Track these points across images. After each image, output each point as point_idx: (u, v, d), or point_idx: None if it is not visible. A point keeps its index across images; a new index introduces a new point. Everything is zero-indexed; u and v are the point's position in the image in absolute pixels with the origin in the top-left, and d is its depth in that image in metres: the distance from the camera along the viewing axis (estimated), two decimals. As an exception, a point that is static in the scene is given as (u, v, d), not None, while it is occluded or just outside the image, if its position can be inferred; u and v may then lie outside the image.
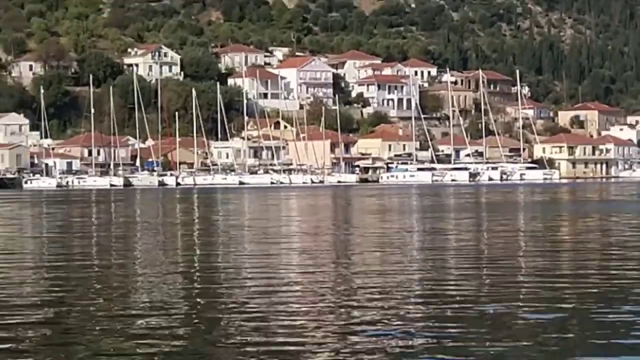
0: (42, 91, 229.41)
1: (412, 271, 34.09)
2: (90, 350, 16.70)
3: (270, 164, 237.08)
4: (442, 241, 48.85)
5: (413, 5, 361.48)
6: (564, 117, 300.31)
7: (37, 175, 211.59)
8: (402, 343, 17.42)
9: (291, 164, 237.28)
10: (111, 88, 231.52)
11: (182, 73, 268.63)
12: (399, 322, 19.67)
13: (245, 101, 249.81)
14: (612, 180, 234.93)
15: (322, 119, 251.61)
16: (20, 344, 16.97)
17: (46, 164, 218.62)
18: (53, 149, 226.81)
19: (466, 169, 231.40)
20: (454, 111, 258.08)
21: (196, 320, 21.25)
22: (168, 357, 15.74)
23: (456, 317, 19.66)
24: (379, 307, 21.50)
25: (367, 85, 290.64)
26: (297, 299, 24.41)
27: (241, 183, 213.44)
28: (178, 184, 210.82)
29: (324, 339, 18.34)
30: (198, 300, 25.28)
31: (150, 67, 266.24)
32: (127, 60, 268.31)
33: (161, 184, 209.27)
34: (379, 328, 17.98)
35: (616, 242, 45.72)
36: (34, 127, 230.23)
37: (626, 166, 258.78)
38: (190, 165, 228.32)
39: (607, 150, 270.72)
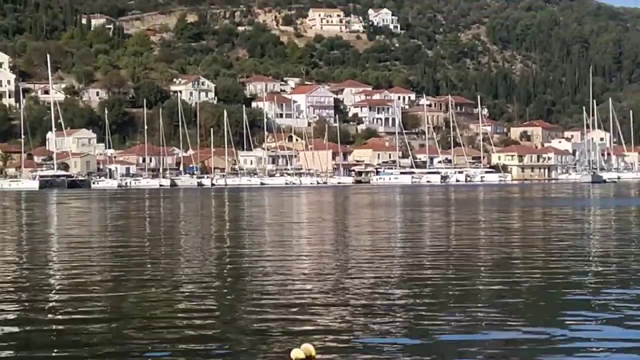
0: (106, 112, 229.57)
1: (393, 244, 35.45)
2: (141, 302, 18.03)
3: (285, 169, 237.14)
4: (417, 226, 49.31)
5: (397, 45, 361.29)
6: (515, 132, 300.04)
7: (103, 178, 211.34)
8: (385, 300, 17.91)
9: (301, 169, 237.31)
10: (160, 110, 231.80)
11: (216, 98, 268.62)
12: (383, 283, 20.20)
13: (265, 120, 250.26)
14: (553, 181, 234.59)
15: (326, 133, 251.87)
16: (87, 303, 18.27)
17: (109, 169, 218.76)
18: (115, 157, 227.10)
19: (438, 172, 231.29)
20: (428, 127, 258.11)
21: (227, 282, 21.70)
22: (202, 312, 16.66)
23: (429, 288, 20.20)
24: (368, 277, 22.25)
25: (361, 107, 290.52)
26: (305, 271, 24.93)
27: (262, 184, 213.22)
28: (213, 184, 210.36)
29: (324, 291, 20.05)
30: (228, 268, 26.04)
31: (191, 93, 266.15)
32: (172, 88, 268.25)
33: (199, 184, 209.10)
34: (367, 294, 18.76)
35: (554, 228, 46.17)
36: (100, 140, 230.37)
37: (563, 170, 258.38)
38: (222, 169, 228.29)
39: (549, 158, 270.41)
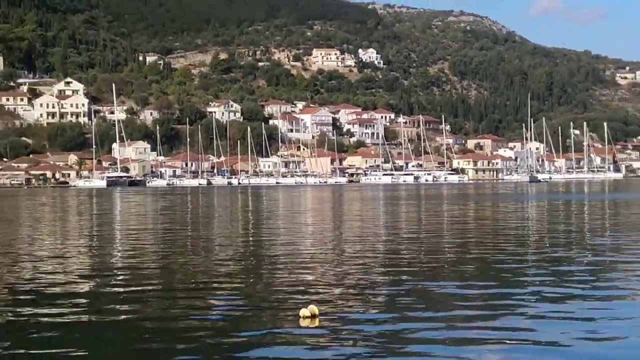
0: (157, 128, 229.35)
1: (376, 225, 35.89)
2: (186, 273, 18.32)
3: (294, 171, 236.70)
4: (394, 213, 49.42)
5: (380, 76, 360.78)
6: (471, 143, 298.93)
7: (155, 178, 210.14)
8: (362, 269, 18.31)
9: (307, 171, 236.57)
10: (199, 126, 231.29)
11: (241, 117, 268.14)
12: (364, 256, 20.65)
13: (279, 134, 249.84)
14: (499, 181, 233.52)
15: (326, 144, 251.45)
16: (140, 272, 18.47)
17: (160, 171, 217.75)
18: (164, 162, 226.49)
19: (412, 174, 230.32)
20: (404, 140, 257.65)
21: (250, 260, 21.66)
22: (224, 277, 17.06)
23: (404, 259, 20.23)
24: (355, 254, 22.09)
25: (353, 124, 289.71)
26: (310, 247, 25.02)
27: (277, 183, 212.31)
28: (239, 183, 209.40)
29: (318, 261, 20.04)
30: (252, 245, 26.25)
31: (223, 113, 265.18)
32: (208, 109, 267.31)
33: (229, 183, 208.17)
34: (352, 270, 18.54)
35: (501, 214, 46.47)
36: (153, 149, 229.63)
37: (508, 173, 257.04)
38: (247, 172, 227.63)
39: (497, 163, 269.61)
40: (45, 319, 12.27)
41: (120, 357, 10.18)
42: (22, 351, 10.19)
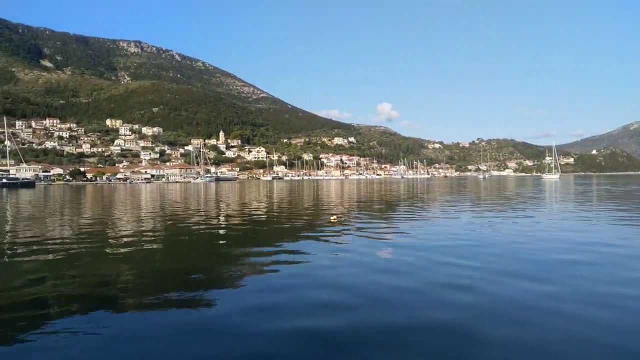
0: (287, 161, 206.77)
1: (349, 187, 25.48)
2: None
3: (329, 175, 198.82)
4: (360, 185, 32.17)
5: (355, 146, 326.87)
6: (383, 166, 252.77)
7: (286, 177, 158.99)
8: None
9: (332, 175, 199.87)
10: (299, 162, 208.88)
11: (312, 158, 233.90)
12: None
13: (324, 163, 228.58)
14: (392, 177, 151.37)
15: (339, 167, 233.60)
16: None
17: (290, 175, 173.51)
18: (288, 172, 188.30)
19: (365, 176, 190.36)
20: (363, 165, 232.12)
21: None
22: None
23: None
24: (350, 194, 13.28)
25: (347, 161, 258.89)
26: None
27: (323, 178, 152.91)
28: (313, 178, 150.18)
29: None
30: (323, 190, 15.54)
31: (307, 157, 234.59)
32: (303, 156, 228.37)
33: (309, 179, 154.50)
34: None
35: (383, 186, 28.38)
36: (285, 168, 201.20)
37: (393, 175, 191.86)
38: (314, 174, 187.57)
39: (391, 172, 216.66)
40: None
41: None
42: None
